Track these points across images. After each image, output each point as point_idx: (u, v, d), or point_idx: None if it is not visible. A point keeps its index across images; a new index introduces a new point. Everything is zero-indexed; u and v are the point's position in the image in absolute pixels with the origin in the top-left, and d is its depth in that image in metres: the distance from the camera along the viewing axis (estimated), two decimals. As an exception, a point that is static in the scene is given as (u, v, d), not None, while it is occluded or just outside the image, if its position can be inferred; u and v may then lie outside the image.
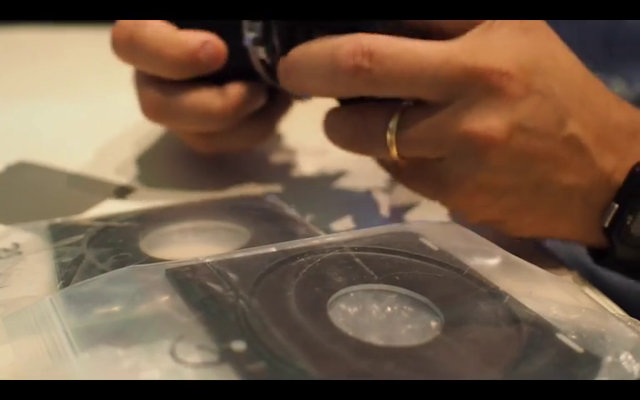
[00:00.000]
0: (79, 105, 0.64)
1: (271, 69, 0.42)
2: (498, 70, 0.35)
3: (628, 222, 0.37)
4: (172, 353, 0.25)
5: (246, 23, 0.42)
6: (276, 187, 0.47)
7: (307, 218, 0.40)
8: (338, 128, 0.40)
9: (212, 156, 0.49)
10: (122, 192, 0.46)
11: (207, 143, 0.46)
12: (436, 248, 0.33)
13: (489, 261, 0.33)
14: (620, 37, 0.45)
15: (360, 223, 0.42)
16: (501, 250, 0.33)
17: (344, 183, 0.47)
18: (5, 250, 0.36)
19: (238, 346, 0.26)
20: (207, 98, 0.43)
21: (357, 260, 0.32)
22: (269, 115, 0.48)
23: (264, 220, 0.40)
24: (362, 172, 0.48)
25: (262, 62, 0.42)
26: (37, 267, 0.35)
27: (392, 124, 0.38)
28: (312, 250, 0.32)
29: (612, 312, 0.33)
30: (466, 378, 0.26)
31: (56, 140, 0.56)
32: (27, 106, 0.63)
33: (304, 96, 0.45)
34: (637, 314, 0.31)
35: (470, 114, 0.35)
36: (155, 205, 0.44)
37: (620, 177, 0.37)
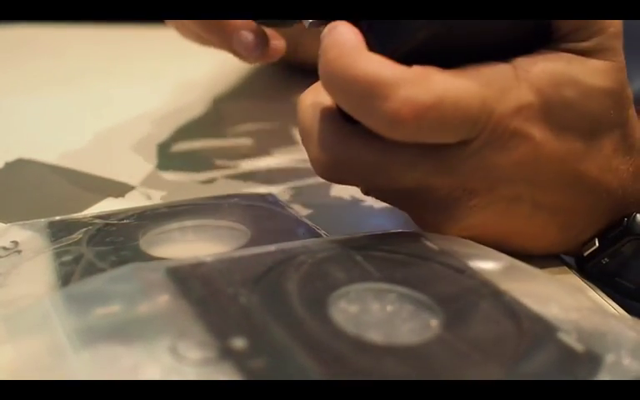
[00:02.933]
0: (79, 102, 0.64)
1: None
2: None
3: (604, 263, 0.38)
4: (173, 351, 0.25)
5: None
6: (276, 187, 0.47)
7: (308, 218, 0.40)
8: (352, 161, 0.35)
9: None
10: (122, 190, 0.46)
11: None
12: (437, 248, 0.33)
13: (490, 263, 0.33)
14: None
15: (361, 224, 0.42)
16: (502, 254, 0.33)
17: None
18: (4, 248, 0.36)
19: (239, 343, 0.26)
20: None
21: (358, 258, 0.32)
22: None
23: (264, 219, 0.40)
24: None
25: None
26: (37, 265, 0.35)
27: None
28: (312, 249, 0.32)
29: (612, 311, 0.33)
30: (466, 377, 0.25)
31: (55, 138, 0.56)
32: (27, 103, 0.63)
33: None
34: (638, 314, 0.31)
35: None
36: (154, 203, 0.44)
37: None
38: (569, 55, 0.35)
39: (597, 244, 0.38)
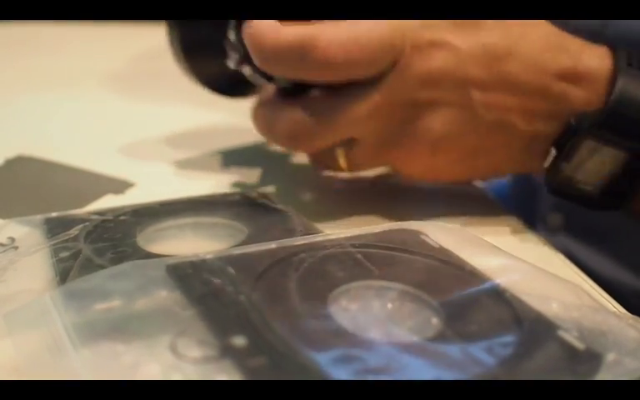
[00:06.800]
0: (78, 100, 0.64)
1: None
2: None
3: (563, 167, 0.41)
4: (173, 348, 0.25)
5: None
6: (275, 185, 0.47)
7: (306, 217, 0.40)
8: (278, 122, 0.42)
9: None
10: (122, 187, 0.46)
11: None
12: (437, 246, 0.33)
13: (490, 259, 0.33)
14: (609, 37, 0.46)
15: (360, 222, 0.42)
16: (502, 250, 0.33)
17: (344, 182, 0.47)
18: (1, 244, 0.36)
19: (239, 341, 0.25)
20: None
21: (358, 256, 0.32)
22: None
23: (262, 217, 0.40)
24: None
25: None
26: (34, 261, 0.34)
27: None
28: (312, 247, 0.32)
29: (613, 309, 0.33)
30: (466, 375, 0.25)
31: (56, 135, 0.56)
32: (27, 100, 0.63)
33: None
34: (638, 312, 0.31)
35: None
36: (152, 200, 0.44)
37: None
38: None
39: (554, 152, 0.41)
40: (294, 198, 0.43)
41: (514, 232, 0.43)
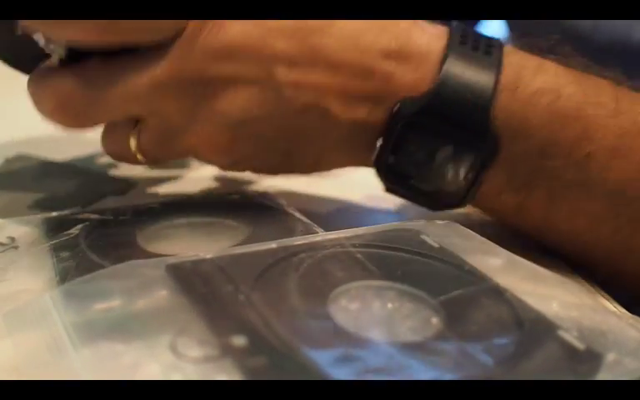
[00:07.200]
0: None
1: None
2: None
3: (390, 161, 0.37)
4: (173, 348, 0.25)
5: None
6: (275, 185, 0.47)
7: (306, 216, 0.40)
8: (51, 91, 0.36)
9: None
10: (122, 187, 0.46)
11: None
12: (436, 245, 0.33)
13: (490, 259, 0.33)
14: (599, 42, 0.46)
15: (359, 222, 0.42)
16: (502, 249, 0.33)
17: (344, 181, 0.47)
18: (1, 244, 0.36)
19: (239, 341, 0.25)
20: None
21: (358, 256, 0.32)
22: None
23: (262, 217, 0.40)
24: (361, 169, 0.48)
25: None
26: (34, 261, 0.35)
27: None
28: (312, 246, 0.32)
29: (613, 309, 0.33)
30: (466, 374, 0.25)
31: (55, 134, 0.56)
32: (27, 100, 0.63)
33: None
34: (638, 312, 0.31)
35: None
36: (152, 200, 0.44)
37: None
38: None
39: (380, 142, 0.37)
40: (294, 198, 0.43)
41: (514, 232, 0.43)
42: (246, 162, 0.39)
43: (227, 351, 0.25)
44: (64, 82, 0.35)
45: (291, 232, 0.37)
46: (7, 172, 0.49)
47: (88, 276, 0.29)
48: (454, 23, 0.37)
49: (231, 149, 0.37)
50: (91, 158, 0.50)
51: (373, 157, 0.37)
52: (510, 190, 0.37)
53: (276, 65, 0.35)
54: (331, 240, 0.33)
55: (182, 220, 0.40)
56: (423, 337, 0.27)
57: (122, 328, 0.26)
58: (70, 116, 0.36)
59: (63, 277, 0.33)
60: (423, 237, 0.34)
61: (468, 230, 0.35)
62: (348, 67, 0.35)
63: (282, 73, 0.35)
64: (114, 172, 0.48)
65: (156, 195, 0.45)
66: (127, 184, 0.46)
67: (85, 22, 0.33)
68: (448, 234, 0.34)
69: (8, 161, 0.50)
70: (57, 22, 0.33)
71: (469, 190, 0.37)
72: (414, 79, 0.35)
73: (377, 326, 0.28)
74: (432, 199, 0.38)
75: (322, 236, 0.33)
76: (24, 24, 0.35)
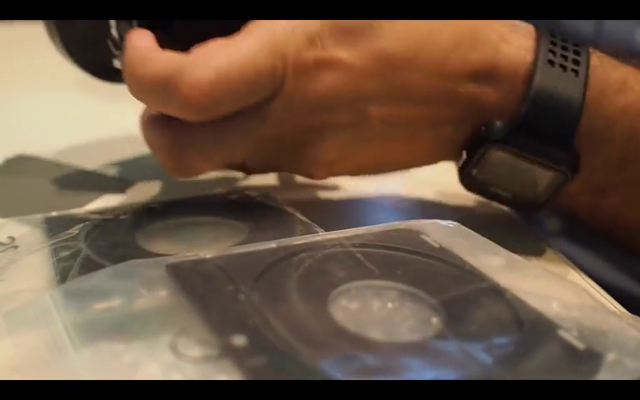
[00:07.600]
0: (79, 99, 0.64)
1: None
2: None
3: (474, 173, 0.38)
4: (173, 348, 0.25)
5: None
6: (274, 184, 0.47)
7: (306, 216, 0.40)
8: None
9: None
10: (122, 186, 0.46)
11: None
12: (437, 245, 0.33)
13: (490, 259, 0.33)
14: (604, 38, 0.45)
15: (359, 222, 0.42)
16: (502, 249, 0.33)
17: (343, 181, 0.47)
18: (1, 244, 0.36)
19: (239, 341, 0.25)
20: None
21: (359, 256, 0.32)
22: None
23: (262, 216, 0.40)
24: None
25: None
26: (34, 260, 0.35)
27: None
28: (312, 246, 0.32)
29: (613, 309, 0.33)
30: (466, 374, 0.25)
31: (55, 134, 0.56)
32: (28, 99, 0.63)
33: None
34: (638, 312, 0.31)
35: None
36: (152, 199, 0.44)
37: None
38: None
39: (464, 156, 0.38)
40: (294, 198, 0.43)
41: (514, 232, 0.43)
42: (342, 174, 0.42)
43: (227, 351, 0.25)
44: (170, 139, 0.36)
45: (290, 232, 0.37)
46: (8, 172, 0.48)
47: (88, 276, 0.29)
48: (542, 29, 0.38)
49: (327, 174, 0.41)
50: (91, 158, 0.50)
51: (458, 166, 0.39)
52: (584, 193, 0.39)
53: (366, 105, 0.37)
54: (331, 240, 0.33)
55: (183, 220, 0.40)
56: (423, 337, 0.27)
57: (122, 328, 0.26)
58: (180, 171, 0.37)
59: (63, 276, 0.33)
60: (423, 237, 0.34)
61: (469, 230, 0.35)
62: (432, 97, 0.37)
63: (373, 111, 0.37)
64: (114, 172, 0.48)
65: (156, 195, 0.45)
66: (126, 184, 0.46)
67: (183, 108, 0.34)
68: (448, 234, 0.34)
69: (9, 161, 0.50)
70: (161, 104, 0.35)
71: (548, 199, 0.39)
72: (501, 98, 0.37)
73: (377, 326, 0.28)
74: (510, 202, 0.40)
75: (322, 236, 0.33)
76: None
